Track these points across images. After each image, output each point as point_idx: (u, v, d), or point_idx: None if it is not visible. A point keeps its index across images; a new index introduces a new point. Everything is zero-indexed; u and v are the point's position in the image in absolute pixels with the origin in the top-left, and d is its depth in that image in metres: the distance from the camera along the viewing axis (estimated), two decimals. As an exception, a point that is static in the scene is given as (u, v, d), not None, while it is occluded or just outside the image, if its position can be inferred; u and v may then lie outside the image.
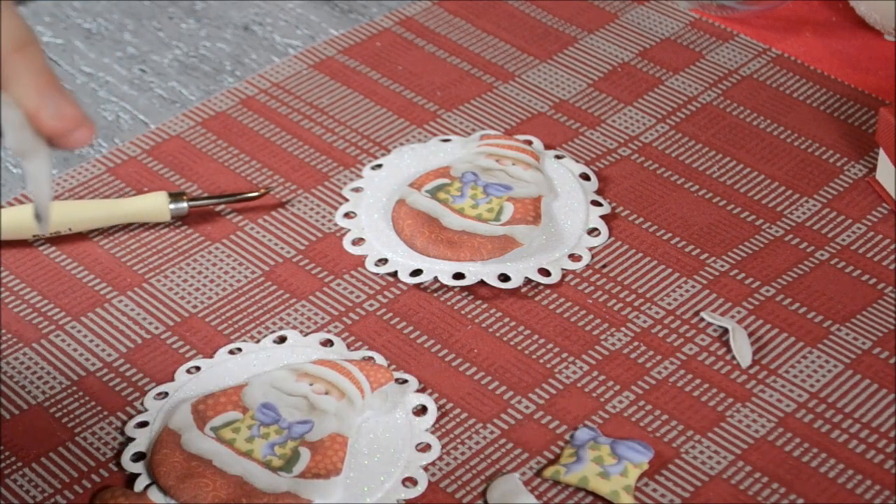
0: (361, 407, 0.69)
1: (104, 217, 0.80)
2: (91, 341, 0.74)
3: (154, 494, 0.66)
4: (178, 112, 0.89)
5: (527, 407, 0.70)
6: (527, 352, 0.73)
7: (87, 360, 0.73)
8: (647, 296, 0.76)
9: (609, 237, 0.79)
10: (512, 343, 0.74)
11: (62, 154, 0.87)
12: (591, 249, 0.78)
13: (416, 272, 0.77)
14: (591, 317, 0.75)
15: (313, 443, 0.68)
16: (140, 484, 0.67)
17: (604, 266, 0.77)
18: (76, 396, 0.72)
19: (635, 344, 0.73)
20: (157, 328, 0.75)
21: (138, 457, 0.68)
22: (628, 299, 0.76)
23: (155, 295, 0.77)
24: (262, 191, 0.82)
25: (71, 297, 0.77)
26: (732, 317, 0.74)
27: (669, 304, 0.75)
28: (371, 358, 0.73)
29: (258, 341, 0.74)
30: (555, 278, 0.76)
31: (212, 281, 0.78)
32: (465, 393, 0.71)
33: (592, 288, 0.76)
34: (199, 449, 0.67)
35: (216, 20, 0.97)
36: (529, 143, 0.85)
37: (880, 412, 0.69)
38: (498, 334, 0.74)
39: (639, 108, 0.88)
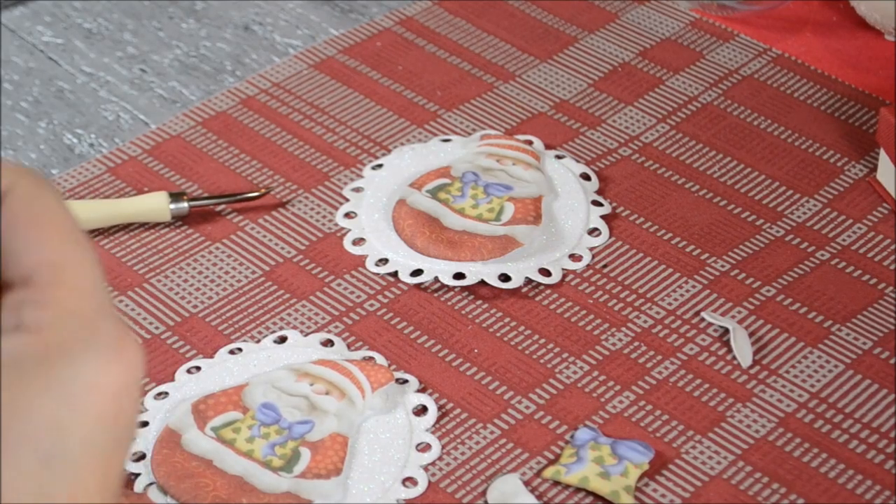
0: (362, 407, 0.69)
1: (104, 217, 0.80)
2: (91, 341, 0.74)
3: (154, 494, 0.66)
4: (179, 112, 0.89)
5: (527, 407, 0.70)
6: (527, 352, 0.73)
7: (87, 359, 0.73)
8: (648, 296, 0.76)
9: (609, 237, 0.79)
10: (512, 343, 0.74)
11: (62, 154, 0.87)
12: (591, 249, 0.78)
13: (417, 272, 0.77)
14: (591, 317, 0.75)
15: (314, 443, 0.67)
16: (140, 484, 0.67)
17: (604, 266, 0.77)
18: (76, 396, 0.72)
19: (636, 344, 0.73)
20: (157, 328, 0.75)
21: (138, 457, 0.68)
22: (629, 299, 0.76)
23: (155, 295, 0.77)
24: (263, 191, 0.81)
25: (71, 296, 0.77)
26: (733, 317, 0.74)
27: (670, 304, 0.75)
28: (371, 358, 0.73)
29: (258, 341, 0.74)
30: (555, 278, 0.76)
31: (212, 281, 0.78)
32: (465, 393, 0.71)
33: (593, 288, 0.76)
34: (199, 449, 0.67)
35: (216, 20, 0.97)
36: (530, 143, 0.85)
37: (880, 412, 0.69)
38: (498, 334, 0.74)
39: (639, 108, 0.88)
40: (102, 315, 0.40)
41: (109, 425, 0.39)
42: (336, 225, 0.81)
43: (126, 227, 0.81)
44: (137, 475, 0.67)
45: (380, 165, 0.84)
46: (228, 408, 0.69)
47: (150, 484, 0.67)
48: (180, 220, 0.81)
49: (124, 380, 0.40)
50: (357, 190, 0.82)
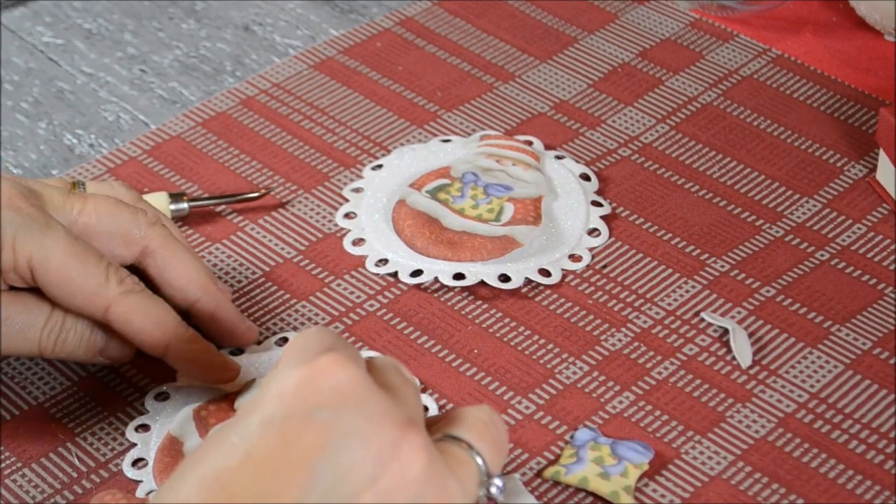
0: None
1: (104, 217, 0.80)
2: (91, 342, 0.74)
3: (155, 496, 0.66)
4: (179, 112, 0.89)
5: (527, 407, 0.70)
6: (527, 352, 0.73)
7: (87, 360, 0.73)
8: (648, 296, 0.76)
9: (609, 237, 0.79)
10: (512, 343, 0.74)
11: (62, 154, 0.87)
12: (591, 250, 0.78)
13: (417, 272, 0.77)
14: (591, 317, 0.75)
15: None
16: (142, 490, 0.67)
17: (604, 266, 0.77)
18: (76, 397, 0.72)
19: (635, 344, 0.73)
20: (157, 329, 0.75)
21: (139, 462, 0.68)
22: (628, 300, 0.76)
23: (155, 295, 0.77)
24: (263, 191, 0.82)
25: (71, 297, 0.77)
26: (732, 317, 0.74)
27: (669, 304, 0.75)
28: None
29: (260, 342, 0.74)
30: (555, 279, 0.77)
31: (212, 281, 0.78)
32: (465, 393, 0.71)
33: (592, 288, 0.76)
34: (199, 450, 0.67)
35: (216, 20, 0.97)
36: (530, 143, 0.85)
37: (880, 412, 0.69)
38: (498, 335, 0.74)
39: (639, 108, 0.88)
40: None
41: None
42: (336, 225, 0.81)
43: (126, 228, 0.81)
44: (139, 482, 0.67)
45: (380, 166, 0.84)
46: (230, 414, 0.69)
47: (152, 491, 0.67)
48: (180, 220, 0.81)
49: None
50: (357, 190, 0.83)
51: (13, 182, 0.68)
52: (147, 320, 0.67)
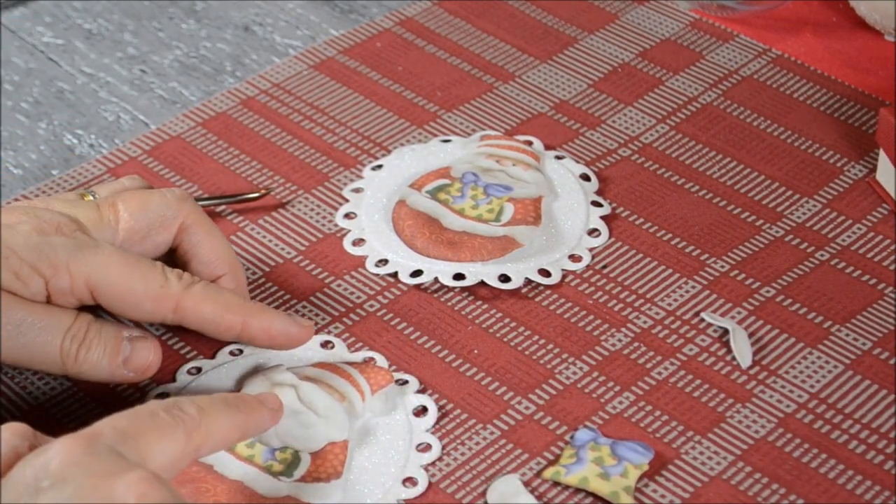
0: (362, 410, 0.69)
1: (105, 218, 0.80)
2: (91, 342, 0.74)
3: (155, 495, 0.66)
4: (179, 112, 0.89)
5: (527, 408, 0.70)
6: (527, 352, 0.73)
7: (87, 360, 0.73)
8: (648, 296, 0.76)
9: (609, 238, 0.79)
10: (512, 344, 0.74)
11: (62, 154, 0.87)
12: (591, 250, 0.78)
13: (417, 273, 0.77)
14: (591, 317, 0.75)
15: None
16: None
17: (604, 267, 0.77)
18: (76, 397, 0.72)
19: (635, 345, 0.73)
20: (157, 329, 0.75)
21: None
22: (628, 300, 0.76)
23: (155, 296, 0.77)
24: (263, 191, 0.82)
25: (71, 297, 0.77)
26: (732, 317, 0.74)
27: (669, 304, 0.75)
28: (372, 359, 0.73)
29: (259, 342, 0.74)
30: (555, 279, 0.77)
31: (212, 282, 0.78)
32: (465, 394, 0.71)
33: (592, 288, 0.76)
34: (199, 451, 0.67)
35: (216, 20, 0.97)
36: (530, 143, 0.85)
37: (880, 413, 0.69)
38: (498, 335, 0.74)
39: (639, 108, 0.88)
40: None
41: None
42: (336, 225, 0.81)
43: (126, 228, 0.81)
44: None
45: (380, 166, 0.84)
46: (228, 409, 0.69)
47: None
48: (180, 220, 0.81)
49: None
50: (357, 190, 0.83)
51: (53, 212, 0.69)
52: (218, 305, 0.69)
